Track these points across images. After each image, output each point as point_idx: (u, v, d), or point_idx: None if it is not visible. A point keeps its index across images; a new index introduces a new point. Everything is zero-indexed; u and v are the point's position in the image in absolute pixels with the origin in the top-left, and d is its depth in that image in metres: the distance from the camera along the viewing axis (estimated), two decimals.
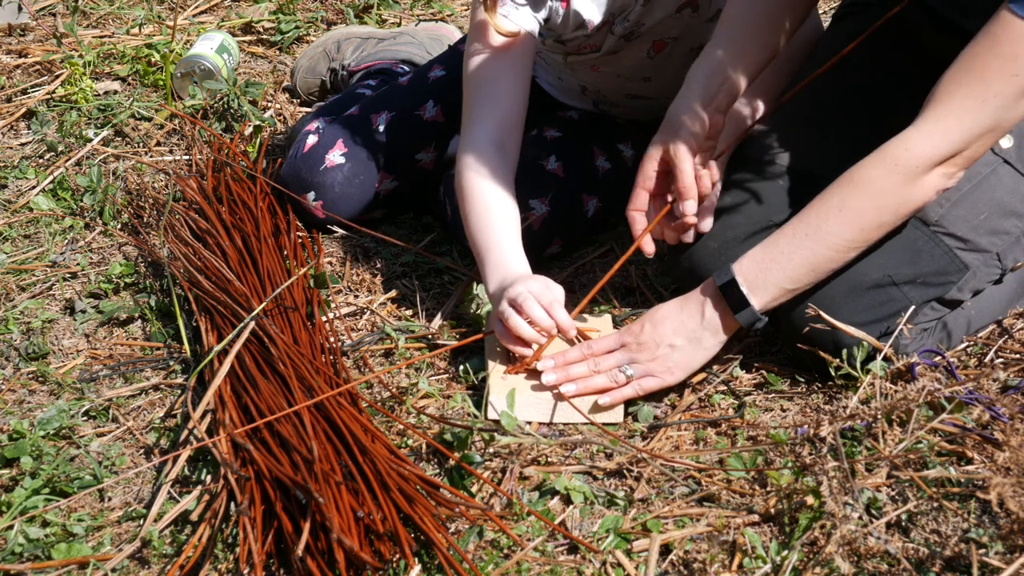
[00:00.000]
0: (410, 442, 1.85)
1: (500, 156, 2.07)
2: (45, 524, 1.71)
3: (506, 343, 1.92)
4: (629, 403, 1.90)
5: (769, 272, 1.85)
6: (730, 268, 1.87)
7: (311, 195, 2.36)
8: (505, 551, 1.64)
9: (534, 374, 1.92)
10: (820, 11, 2.36)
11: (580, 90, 2.42)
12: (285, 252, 2.23)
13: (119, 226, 2.44)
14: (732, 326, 1.89)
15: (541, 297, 1.90)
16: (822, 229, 1.82)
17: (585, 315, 2.06)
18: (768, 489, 1.71)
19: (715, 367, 1.98)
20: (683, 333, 1.89)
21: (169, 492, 1.76)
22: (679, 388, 1.95)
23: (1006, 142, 1.91)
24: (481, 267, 2.02)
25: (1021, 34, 1.71)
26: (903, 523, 1.64)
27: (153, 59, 3.01)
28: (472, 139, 2.08)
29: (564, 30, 2.19)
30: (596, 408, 1.87)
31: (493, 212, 2.04)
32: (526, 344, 1.91)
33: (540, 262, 2.23)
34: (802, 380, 1.95)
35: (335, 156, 2.37)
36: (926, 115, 1.79)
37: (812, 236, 1.83)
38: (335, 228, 2.37)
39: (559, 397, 1.88)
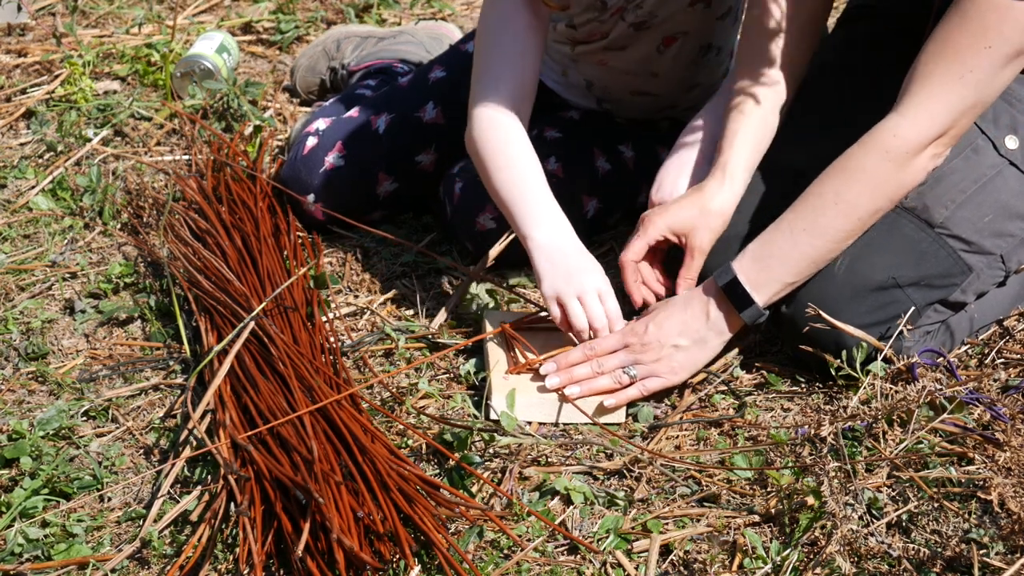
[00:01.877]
0: (410, 442, 1.84)
1: (517, 119, 2.06)
2: (45, 524, 1.71)
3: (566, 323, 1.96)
4: (630, 403, 1.90)
5: (771, 269, 1.85)
6: (731, 267, 1.87)
7: (311, 197, 2.36)
8: (505, 551, 1.64)
9: (535, 374, 1.92)
10: None
11: (585, 86, 2.41)
12: (285, 252, 2.23)
13: (119, 226, 2.44)
14: (737, 324, 1.89)
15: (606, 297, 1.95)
16: (819, 222, 1.83)
17: None
18: (768, 489, 1.71)
19: (715, 367, 1.97)
20: (688, 334, 1.89)
21: (169, 492, 1.75)
22: (679, 388, 1.95)
23: (1012, 143, 1.90)
24: (515, 215, 2.01)
25: (989, 6, 1.71)
26: (904, 523, 1.64)
27: (153, 59, 3.01)
28: (488, 99, 2.06)
29: (577, 6, 2.19)
30: (600, 410, 1.87)
31: (519, 163, 2.03)
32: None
33: None
34: (803, 380, 1.95)
35: (334, 158, 2.36)
36: (908, 99, 1.80)
37: (809, 230, 1.83)
38: (335, 228, 2.36)
39: (562, 398, 1.88)
